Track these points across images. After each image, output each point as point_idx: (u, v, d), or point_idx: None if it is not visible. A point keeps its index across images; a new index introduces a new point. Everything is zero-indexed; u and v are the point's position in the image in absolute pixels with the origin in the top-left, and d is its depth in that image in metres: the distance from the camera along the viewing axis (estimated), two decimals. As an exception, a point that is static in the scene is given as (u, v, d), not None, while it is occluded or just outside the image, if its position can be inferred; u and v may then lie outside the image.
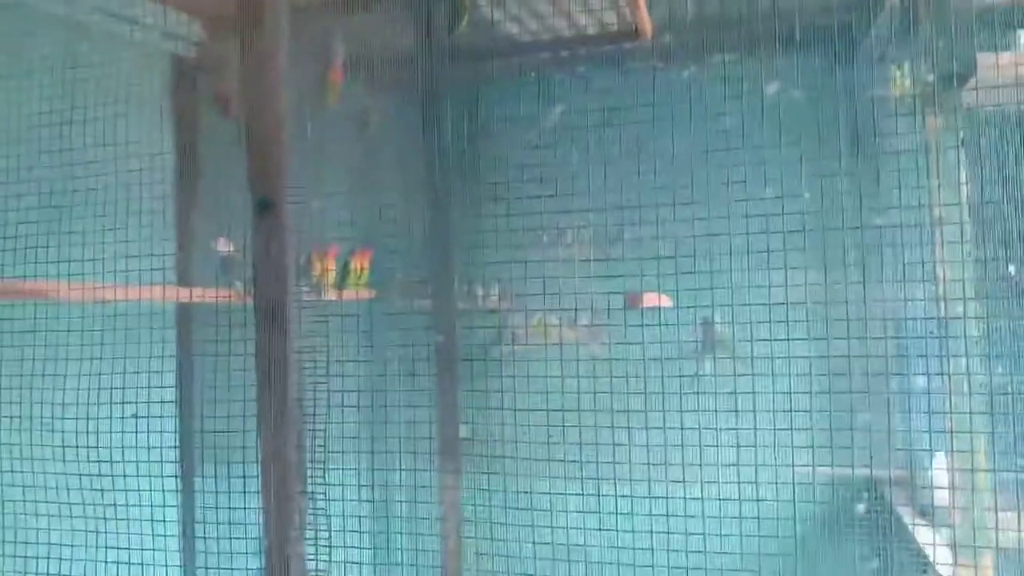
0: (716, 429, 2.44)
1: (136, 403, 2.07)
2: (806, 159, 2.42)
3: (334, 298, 2.78)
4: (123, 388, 2.05)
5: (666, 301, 2.83)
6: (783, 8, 2.59)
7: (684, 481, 2.47)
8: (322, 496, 1.61)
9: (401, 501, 3.16)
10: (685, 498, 2.45)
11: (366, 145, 3.42)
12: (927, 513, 2.64)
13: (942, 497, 2.24)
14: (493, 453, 2.66)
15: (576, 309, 2.61)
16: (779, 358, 2.40)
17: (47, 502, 1.99)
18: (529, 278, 2.62)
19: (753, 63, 2.63)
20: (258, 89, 1.31)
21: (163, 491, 2.12)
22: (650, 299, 2.66)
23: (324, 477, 1.68)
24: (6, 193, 1.87)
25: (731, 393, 2.45)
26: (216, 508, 2.03)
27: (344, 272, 2.90)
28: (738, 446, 2.35)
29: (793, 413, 2.33)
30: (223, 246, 2.31)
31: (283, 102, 1.31)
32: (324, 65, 3.16)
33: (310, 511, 1.49)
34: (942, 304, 2.42)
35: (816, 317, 2.43)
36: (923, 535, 2.49)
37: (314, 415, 1.70)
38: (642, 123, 2.44)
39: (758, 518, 2.34)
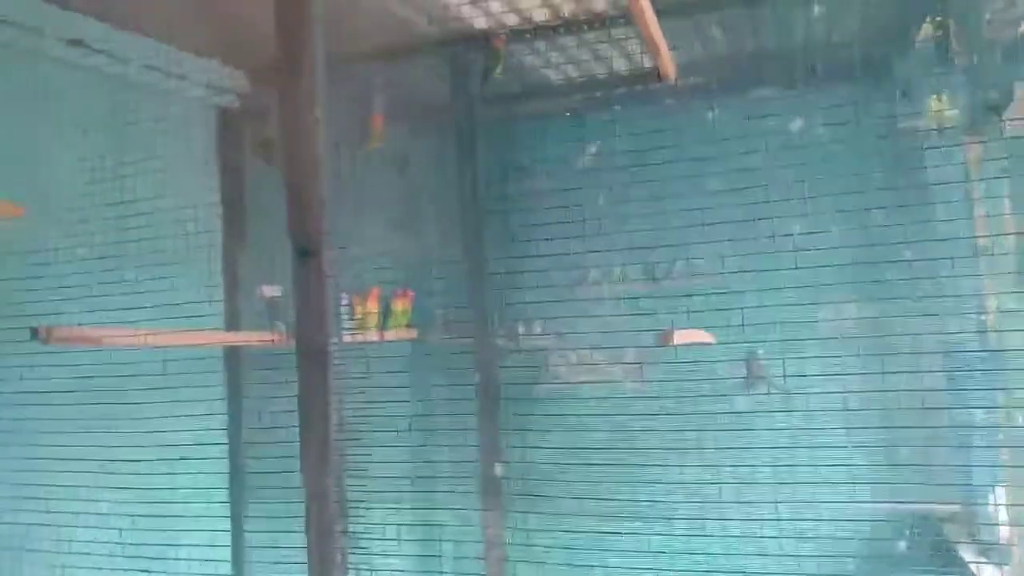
0: (766, 465, 2.41)
1: (186, 445, 2.13)
2: (849, 193, 2.40)
3: (376, 339, 2.83)
4: (174, 430, 2.11)
5: (707, 337, 2.80)
6: (815, 42, 2.61)
7: (733, 519, 2.43)
8: (364, 534, 1.63)
9: (442, 540, 3.16)
10: (735, 536, 2.41)
11: (405, 188, 3.50)
12: (987, 549, 2.55)
13: (1002, 533, 2.17)
14: (535, 491, 2.66)
15: (614, 347, 2.61)
16: (829, 393, 2.37)
17: (103, 542, 2.04)
18: (567, 317, 2.63)
19: (790, 98, 2.63)
20: (296, 139, 1.36)
21: (213, 530, 2.16)
22: (686, 336, 2.64)
23: (366, 515, 1.71)
24: (63, 244, 1.95)
25: (780, 429, 2.42)
26: (263, 547, 2.06)
27: (386, 313, 2.95)
28: (789, 483, 2.31)
29: (845, 448, 2.30)
30: (268, 291, 2.38)
31: (321, 152, 1.36)
32: (364, 112, 3.25)
33: (352, 549, 1.50)
34: (993, 335, 2.37)
35: (865, 351, 2.40)
36: (985, 573, 2.41)
37: (356, 454, 1.72)
38: (680, 161, 2.45)
39: (812, 556, 2.29)
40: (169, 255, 2.28)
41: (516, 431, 2.87)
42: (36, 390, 1.82)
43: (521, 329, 3.64)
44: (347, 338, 1.87)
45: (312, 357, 1.39)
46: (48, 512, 1.96)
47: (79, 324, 1.78)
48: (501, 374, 3.11)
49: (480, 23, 2.93)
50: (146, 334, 1.76)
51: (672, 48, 2.50)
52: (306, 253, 1.35)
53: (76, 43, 2.66)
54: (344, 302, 2.68)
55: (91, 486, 2.07)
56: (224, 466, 2.78)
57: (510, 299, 3.30)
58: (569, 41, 3.08)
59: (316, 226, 1.35)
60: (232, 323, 2.59)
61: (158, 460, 2.12)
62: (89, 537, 2.04)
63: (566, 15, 2.84)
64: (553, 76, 3.43)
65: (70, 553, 2.04)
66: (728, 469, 2.41)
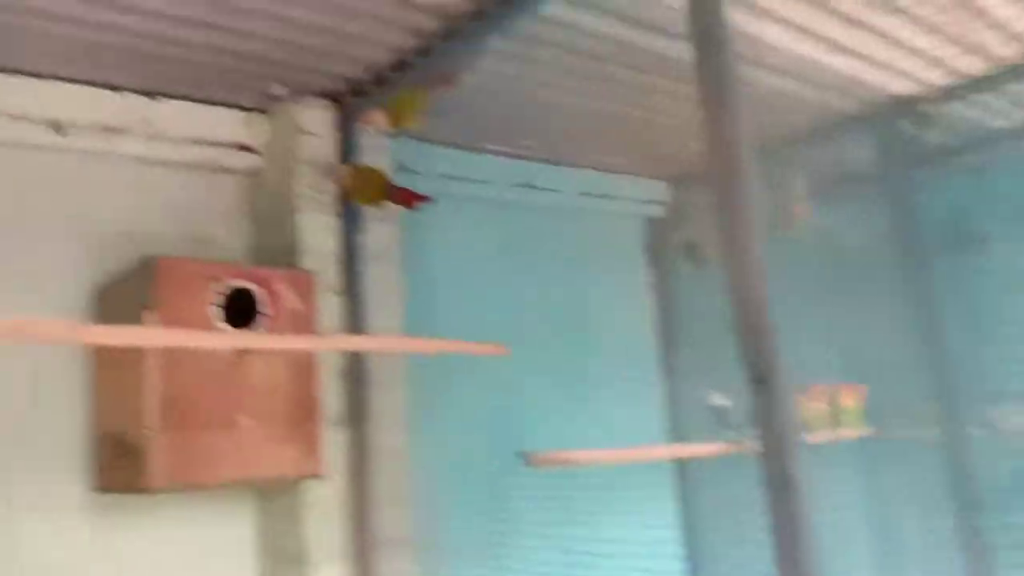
0: None
1: (641, 556, 2.19)
2: None
3: (825, 439, 2.66)
4: (628, 541, 2.18)
5: None
6: None
7: None
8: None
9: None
10: None
11: (838, 271, 3.30)
12: None
13: None
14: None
15: None
16: None
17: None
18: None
19: None
20: (739, 270, 1.37)
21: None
22: None
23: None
24: (532, 371, 2.19)
25: None
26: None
27: (835, 411, 2.77)
28: None
29: None
30: (716, 399, 2.39)
31: (764, 277, 1.35)
32: (784, 197, 3.18)
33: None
34: None
35: None
36: None
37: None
38: None
39: None
40: (615, 369, 2.44)
41: (1010, 547, 2.43)
42: (517, 508, 2.05)
43: (997, 414, 3.14)
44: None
45: (776, 483, 1.34)
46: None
47: (552, 446, 1.97)
48: (980, 471, 2.69)
49: (898, 86, 2.72)
50: (616, 453, 1.89)
51: None
52: (761, 381, 1.33)
53: (526, 186, 3.08)
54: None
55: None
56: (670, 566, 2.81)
57: (978, 380, 2.87)
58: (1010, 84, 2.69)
59: (769, 353, 1.33)
60: (677, 432, 2.65)
61: (616, 566, 2.21)
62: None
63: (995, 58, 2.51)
64: (996, 122, 3.00)
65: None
66: None
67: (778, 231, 3.00)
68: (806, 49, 2.21)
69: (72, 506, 2.09)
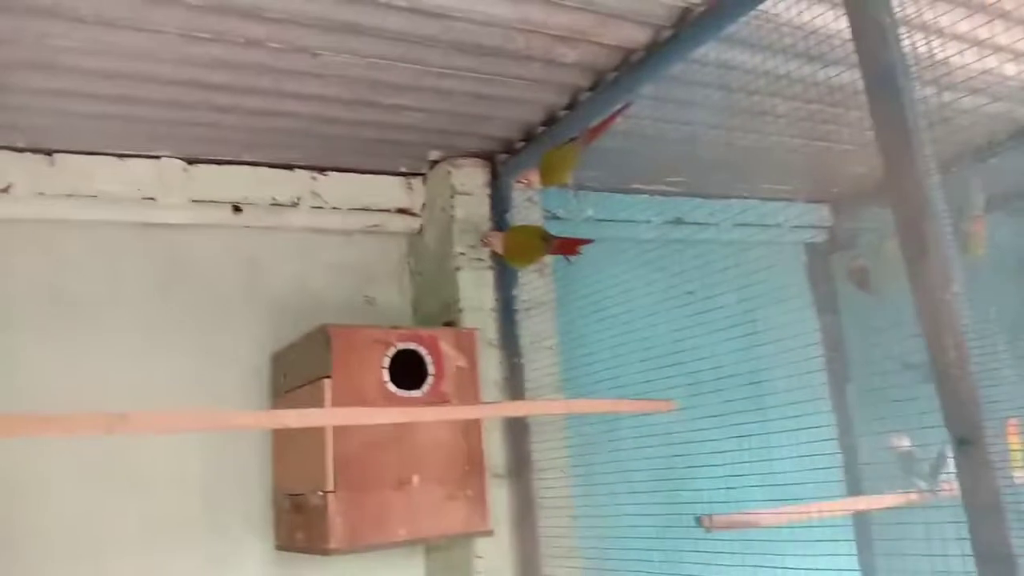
0: None
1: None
2: None
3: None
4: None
5: None
6: None
7: None
8: None
9: None
10: None
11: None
12: None
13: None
14: None
15: None
16: None
17: None
18: None
19: None
20: (935, 318, 1.26)
21: None
22: None
23: None
24: (706, 427, 2.10)
25: None
26: None
27: None
28: None
29: None
30: (898, 442, 2.21)
31: (962, 331, 1.24)
32: (965, 217, 2.95)
33: None
34: None
35: None
36: None
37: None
38: None
39: None
40: (786, 411, 2.30)
41: None
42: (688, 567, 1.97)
43: None
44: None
45: (986, 556, 1.22)
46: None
47: (723, 500, 1.89)
48: None
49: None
50: (798, 511, 1.79)
51: None
52: (966, 442, 1.22)
53: (675, 222, 3.02)
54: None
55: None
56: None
57: None
58: None
59: (973, 412, 1.21)
60: (851, 478, 2.46)
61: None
62: None
63: None
64: None
65: None
66: None
67: (961, 256, 2.76)
68: (986, 62, 2.04)
69: (256, 562, 2.23)
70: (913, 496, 2.05)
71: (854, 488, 2.63)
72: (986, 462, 1.20)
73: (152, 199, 2.26)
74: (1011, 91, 2.39)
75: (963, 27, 1.90)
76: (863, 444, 2.59)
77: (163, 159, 2.27)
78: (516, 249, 2.21)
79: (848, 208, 3.38)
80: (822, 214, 3.41)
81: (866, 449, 2.56)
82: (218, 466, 2.24)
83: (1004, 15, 1.96)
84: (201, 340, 2.30)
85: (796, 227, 3.38)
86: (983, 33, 1.98)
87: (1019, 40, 2.07)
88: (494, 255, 2.38)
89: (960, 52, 2.02)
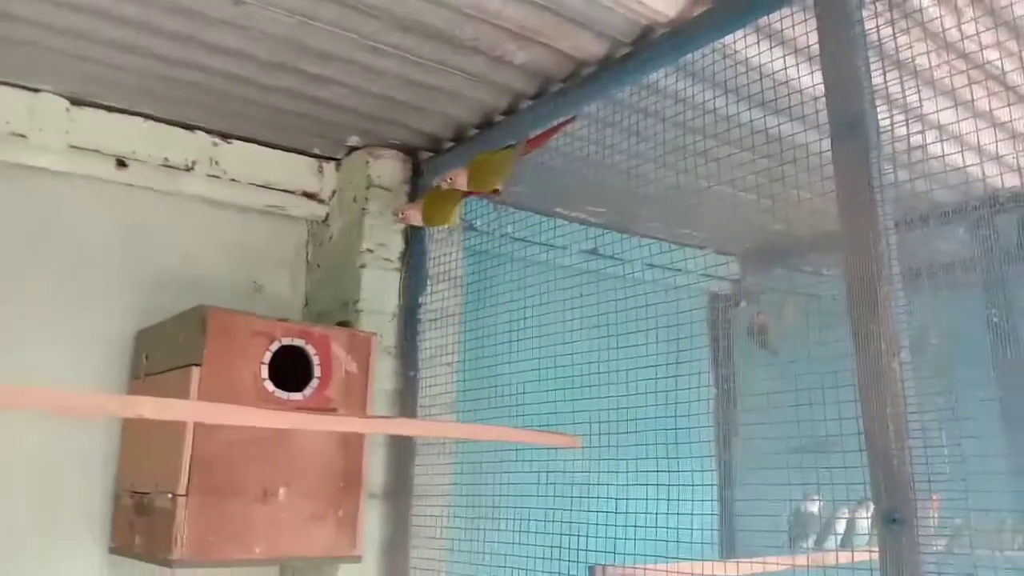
0: None
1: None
2: None
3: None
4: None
5: None
6: None
7: None
8: None
9: None
10: None
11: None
12: None
13: None
14: None
15: None
16: None
17: None
18: None
19: None
20: (872, 392, 1.19)
21: None
22: None
23: None
24: (607, 469, 2.00)
25: None
26: None
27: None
28: None
29: None
30: (810, 507, 2.16)
31: (903, 404, 1.16)
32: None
33: None
34: None
35: None
36: None
37: None
38: None
39: None
40: (671, 462, 2.23)
41: None
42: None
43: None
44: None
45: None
46: None
47: (630, 557, 1.78)
48: None
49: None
50: (685, 568, 1.69)
51: None
52: (894, 521, 1.14)
53: (591, 252, 2.93)
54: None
55: None
56: None
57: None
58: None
59: (904, 493, 1.14)
60: (727, 538, 2.41)
61: None
62: None
63: None
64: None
65: None
66: None
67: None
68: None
69: (83, 566, 1.96)
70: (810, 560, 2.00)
71: (729, 545, 2.59)
72: (915, 543, 1.13)
73: (23, 136, 1.96)
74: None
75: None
76: (741, 501, 2.55)
77: (42, 93, 1.99)
78: (437, 203, 2.02)
79: (755, 261, 3.40)
80: (730, 267, 3.42)
81: (744, 507, 2.52)
82: (55, 450, 1.96)
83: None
84: (60, 304, 2.02)
85: (703, 276, 3.37)
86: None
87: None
88: (411, 223, 2.17)
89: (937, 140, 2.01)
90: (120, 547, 1.93)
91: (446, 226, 2.12)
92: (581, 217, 2.85)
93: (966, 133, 1.60)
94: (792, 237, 3.00)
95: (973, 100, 1.51)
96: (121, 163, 2.08)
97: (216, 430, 1.70)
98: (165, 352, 1.89)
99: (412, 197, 2.28)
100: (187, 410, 1.26)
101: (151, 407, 0.98)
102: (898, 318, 1.18)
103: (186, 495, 1.67)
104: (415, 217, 2.06)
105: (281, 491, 1.79)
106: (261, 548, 1.74)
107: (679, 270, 3.23)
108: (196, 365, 1.71)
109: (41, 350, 1.97)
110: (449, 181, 1.91)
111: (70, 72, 1.91)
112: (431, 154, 2.30)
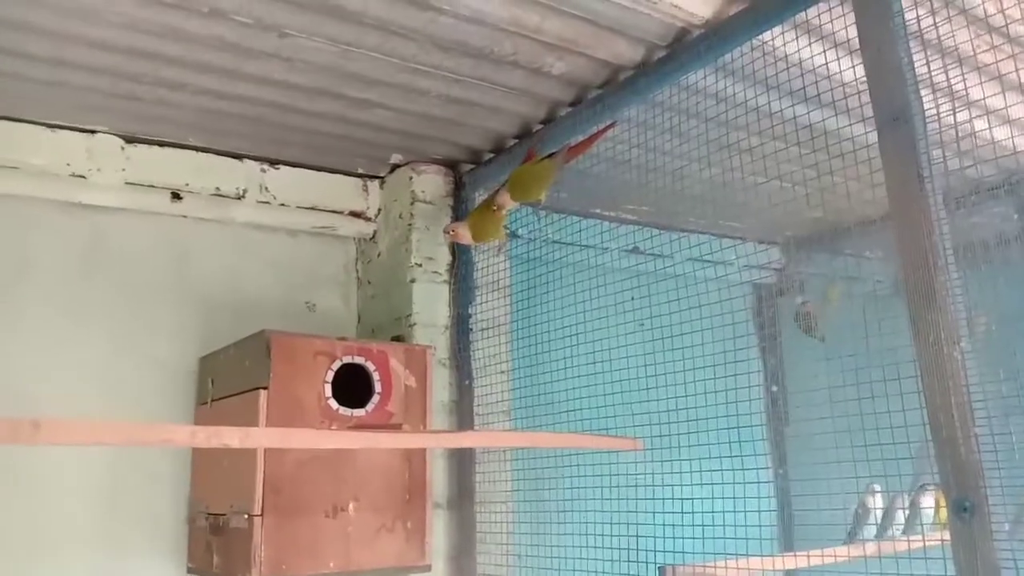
0: None
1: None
2: None
3: None
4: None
5: None
6: None
7: None
8: None
9: None
10: None
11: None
12: None
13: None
14: None
15: None
16: None
17: None
18: None
19: None
20: (937, 376, 1.19)
21: None
22: None
23: None
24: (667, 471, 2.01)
25: None
26: None
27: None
28: None
29: None
30: (874, 500, 2.14)
31: (967, 392, 1.17)
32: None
33: None
34: None
35: None
36: None
37: None
38: None
39: None
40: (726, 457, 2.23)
41: None
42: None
43: None
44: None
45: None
46: None
47: (699, 555, 1.79)
48: None
49: None
50: (758, 563, 1.70)
51: None
52: (965, 508, 1.15)
53: (632, 250, 2.94)
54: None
55: None
56: None
57: None
58: None
59: (974, 480, 1.14)
60: (784, 527, 2.41)
61: None
62: None
63: None
64: None
65: None
66: None
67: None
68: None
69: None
70: (865, 548, 2.00)
71: (786, 533, 2.58)
72: (987, 530, 1.13)
73: (82, 177, 2.04)
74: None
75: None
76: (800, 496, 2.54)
77: (99, 134, 2.06)
78: (482, 223, 2.04)
79: (799, 250, 3.38)
80: (772, 255, 3.40)
81: (804, 500, 2.50)
82: (127, 471, 2.03)
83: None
84: (122, 334, 2.09)
85: (746, 267, 3.36)
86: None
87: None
88: (460, 243, 2.21)
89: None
90: (198, 567, 1.99)
91: (495, 241, 2.14)
92: (622, 217, 2.86)
93: (1017, 118, 1.58)
94: (834, 223, 2.98)
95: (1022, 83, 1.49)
96: (176, 196, 2.15)
97: (285, 450, 1.75)
98: (231, 377, 1.95)
99: (456, 210, 2.32)
100: (269, 437, 1.31)
101: (236, 437, 1.03)
102: (956, 307, 1.19)
103: (261, 515, 1.72)
104: (464, 236, 2.09)
105: (350, 506, 1.84)
106: (335, 562, 1.79)
107: (722, 262, 3.23)
108: (263, 388, 1.77)
109: (106, 382, 2.04)
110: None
111: (123, 112, 1.98)
112: (472, 166, 2.34)
